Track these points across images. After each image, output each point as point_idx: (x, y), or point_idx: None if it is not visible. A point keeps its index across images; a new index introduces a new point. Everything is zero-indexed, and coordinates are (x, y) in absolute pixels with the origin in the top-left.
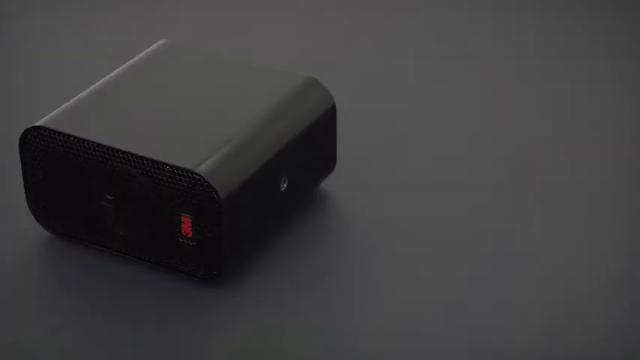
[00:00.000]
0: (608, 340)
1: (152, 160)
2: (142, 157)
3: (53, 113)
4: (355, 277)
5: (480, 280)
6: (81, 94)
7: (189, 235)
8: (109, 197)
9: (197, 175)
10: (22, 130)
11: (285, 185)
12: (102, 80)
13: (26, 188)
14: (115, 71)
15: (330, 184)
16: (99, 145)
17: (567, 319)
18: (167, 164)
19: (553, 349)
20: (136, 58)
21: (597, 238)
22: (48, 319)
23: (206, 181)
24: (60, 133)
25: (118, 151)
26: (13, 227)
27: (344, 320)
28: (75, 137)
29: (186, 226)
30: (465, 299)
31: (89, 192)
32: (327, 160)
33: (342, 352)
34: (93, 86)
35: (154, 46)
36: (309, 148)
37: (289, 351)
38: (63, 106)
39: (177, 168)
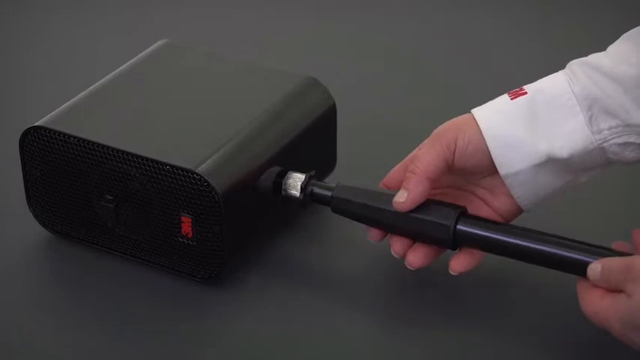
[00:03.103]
0: None
1: (152, 160)
2: (142, 157)
3: (53, 113)
4: (355, 277)
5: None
6: (81, 94)
7: (190, 235)
8: (109, 197)
9: (197, 175)
10: (22, 130)
11: None
12: (102, 80)
13: (26, 188)
14: (115, 71)
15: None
16: (99, 145)
17: None
18: (167, 164)
19: None
20: (136, 58)
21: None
22: (48, 319)
23: (206, 181)
24: (60, 133)
25: (118, 151)
26: (13, 227)
27: (344, 320)
28: (75, 137)
29: (186, 226)
30: (466, 293)
31: (89, 192)
32: (327, 160)
33: (343, 352)
34: (93, 86)
35: (154, 46)
36: (309, 147)
37: None
38: (63, 106)
39: (177, 168)
